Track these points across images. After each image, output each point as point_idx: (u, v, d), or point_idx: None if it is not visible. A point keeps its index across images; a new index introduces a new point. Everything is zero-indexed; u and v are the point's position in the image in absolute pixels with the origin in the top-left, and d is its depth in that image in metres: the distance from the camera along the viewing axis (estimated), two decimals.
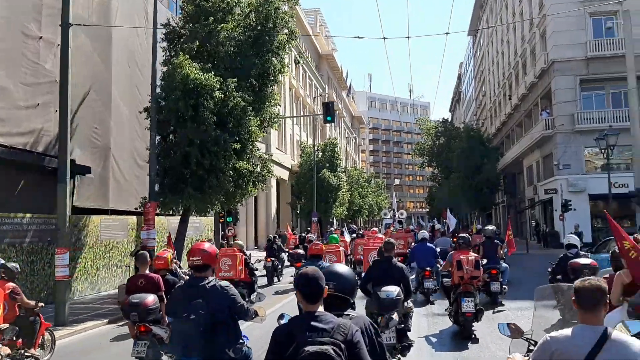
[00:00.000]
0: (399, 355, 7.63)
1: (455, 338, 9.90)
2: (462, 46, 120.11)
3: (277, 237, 23.46)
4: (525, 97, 41.27)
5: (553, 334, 3.17)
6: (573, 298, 3.15)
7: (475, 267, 9.81)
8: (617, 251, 6.06)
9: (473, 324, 9.64)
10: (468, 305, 9.35)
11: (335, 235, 17.71)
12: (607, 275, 6.16)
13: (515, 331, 4.33)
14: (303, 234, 26.46)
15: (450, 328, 10.45)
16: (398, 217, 61.00)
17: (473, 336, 9.66)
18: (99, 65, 18.98)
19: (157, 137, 17.43)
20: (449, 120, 56.88)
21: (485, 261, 12.12)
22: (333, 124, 69.72)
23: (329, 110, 23.92)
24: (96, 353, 10.49)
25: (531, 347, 4.23)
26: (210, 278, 4.81)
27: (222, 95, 16.20)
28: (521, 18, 42.62)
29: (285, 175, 47.39)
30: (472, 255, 10.09)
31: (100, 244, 18.29)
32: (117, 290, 16.00)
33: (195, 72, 15.47)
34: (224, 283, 4.83)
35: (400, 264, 8.32)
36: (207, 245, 5.03)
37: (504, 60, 49.74)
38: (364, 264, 13.77)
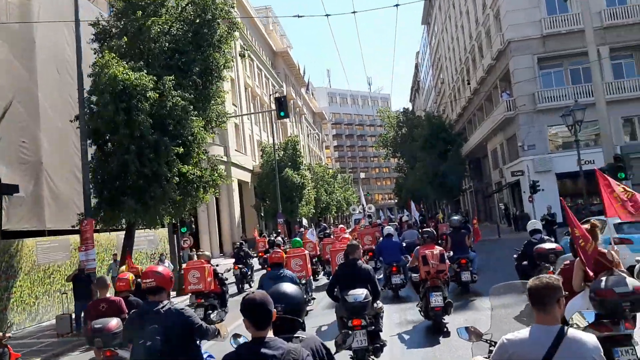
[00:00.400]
0: (372, 357, 7.52)
1: (427, 333, 9.85)
2: (417, 36, 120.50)
3: (244, 242, 22.64)
4: (484, 81, 40.55)
5: (509, 336, 3.09)
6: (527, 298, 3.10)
7: (441, 261, 9.74)
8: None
9: (444, 317, 9.64)
10: (436, 300, 9.36)
11: (298, 239, 16.93)
12: (568, 262, 6.12)
13: (473, 334, 4.25)
14: (272, 238, 25.20)
15: (422, 323, 10.38)
16: (367, 211, 61.12)
17: (445, 329, 9.57)
18: (22, 73, 17.11)
19: (92, 147, 15.80)
20: (410, 109, 55.90)
21: (452, 253, 12.51)
22: (293, 121, 68.77)
23: (281, 105, 22.46)
24: None
25: (492, 348, 4.11)
26: (165, 302, 4.60)
27: (158, 95, 14.61)
28: (474, 1, 41.93)
29: (247, 177, 45.79)
30: (437, 249, 9.98)
31: (37, 269, 16.51)
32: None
33: (124, 71, 13.83)
34: (179, 306, 4.68)
35: (366, 266, 8.07)
36: (161, 268, 4.85)
37: (460, 46, 49.06)
38: (332, 266, 13.53)
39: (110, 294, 7.97)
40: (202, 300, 11.98)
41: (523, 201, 33.24)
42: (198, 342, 4.81)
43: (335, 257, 13.30)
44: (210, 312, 12.00)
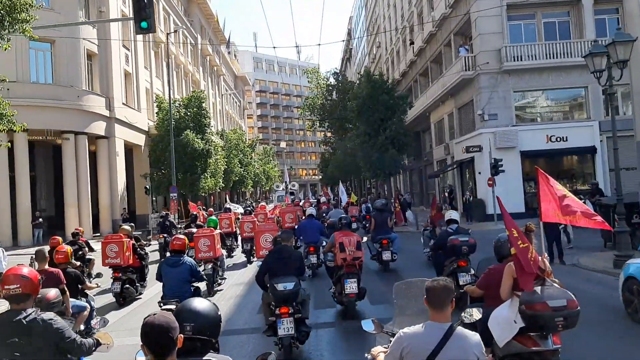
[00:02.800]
0: (297, 344, 7.26)
1: (339, 318, 9.58)
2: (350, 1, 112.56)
3: (169, 213, 23.17)
4: (433, 38, 33.24)
5: (406, 329, 3.34)
6: (425, 296, 3.30)
7: (357, 248, 9.63)
8: (502, 241, 5.68)
9: (357, 303, 9.58)
10: (351, 287, 9.25)
11: (213, 218, 16.21)
12: (493, 266, 5.56)
13: (377, 326, 4.36)
14: (194, 213, 21.54)
15: (335, 308, 10.07)
16: (290, 188, 55.61)
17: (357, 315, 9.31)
18: None
19: None
20: (341, 74, 48.04)
21: (365, 239, 11.72)
22: (208, 80, 59.39)
23: (141, 7, 12.69)
24: None
25: (392, 339, 3.99)
26: (30, 310, 3.80)
27: None
28: None
29: (139, 139, 36.46)
30: (354, 236, 9.86)
31: None
32: None
33: None
34: (48, 315, 3.87)
35: (297, 252, 8.12)
36: (26, 270, 4.02)
37: (403, 0, 41.53)
38: (256, 247, 13.69)
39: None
40: (120, 275, 11.58)
41: (477, 184, 26.36)
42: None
43: (260, 237, 13.22)
44: (129, 286, 11.70)
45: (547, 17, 26.03)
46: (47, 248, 9.28)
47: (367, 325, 4.40)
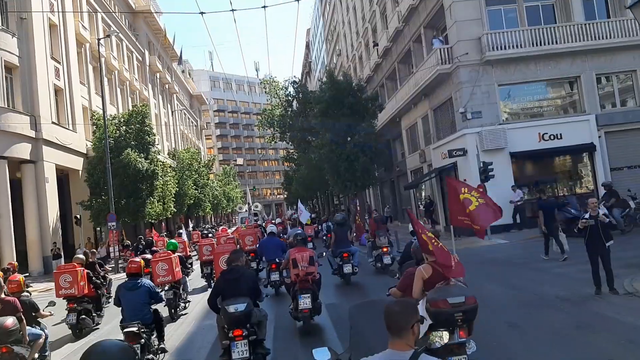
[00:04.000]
0: None
1: (298, 334, 9.38)
2: (308, 13, 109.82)
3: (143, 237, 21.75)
4: (400, 35, 29.88)
5: None
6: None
7: (310, 263, 9.54)
8: (417, 246, 6.23)
9: (314, 317, 9.46)
10: (305, 302, 9.14)
11: (173, 241, 16.01)
12: (410, 268, 6.07)
13: (333, 354, 3.80)
14: (150, 238, 21.93)
15: (296, 325, 9.76)
16: (253, 209, 54.33)
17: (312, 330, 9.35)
18: None
19: None
20: (300, 83, 44.18)
21: (320, 255, 11.43)
22: (159, 99, 54.91)
23: None
24: None
25: None
26: None
27: None
28: None
29: (77, 164, 31.84)
30: (307, 252, 9.80)
31: None
32: None
33: None
34: None
35: (250, 272, 7.80)
36: None
37: (363, 1, 38.23)
38: (215, 269, 13.53)
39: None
40: (75, 305, 11.15)
41: None
42: None
43: (219, 259, 12.84)
44: (84, 316, 11.32)
45: (529, 0, 22.87)
46: (16, 276, 9.43)
47: (321, 355, 3.78)
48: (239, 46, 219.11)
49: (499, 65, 22.08)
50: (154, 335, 8.03)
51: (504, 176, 20.98)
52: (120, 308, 7.90)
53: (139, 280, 7.98)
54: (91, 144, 31.35)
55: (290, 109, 40.40)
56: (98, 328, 11.77)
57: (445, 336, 4.71)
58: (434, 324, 5.01)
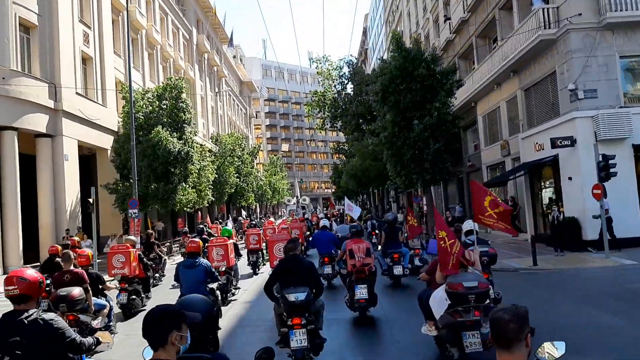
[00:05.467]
0: (311, 355, 6.82)
1: (352, 324, 9.47)
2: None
3: (152, 233, 18.25)
4: (481, 3, 24.67)
5: None
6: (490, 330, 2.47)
7: (367, 255, 9.61)
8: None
9: (369, 309, 9.57)
10: (361, 292, 9.23)
11: (227, 228, 16.61)
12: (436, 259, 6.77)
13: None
14: (201, 226, 21.37)
15: (349, 314, 9.85)
16: (301, 202, 53.80)
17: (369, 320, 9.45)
18: None
19: None
20: (356, 63, 39.20)
21: (378, 248, 12.94)
22: (205, 81, 51.26)
23: None
24: None
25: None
26: (32, 311, 3.81)
27: None
28: None
29: (107, 142, 28.16)
30: (364, 243, 9.86)
31: None
32: None
33: None
34: (49, 316, 3.86)
35: (309, 262, 7.42)
36: (27, 272, 3.98)
37: None
38: (270, 258, 13.63)
39: None
40: (126, 285, 11.30)
41: (564, 195, 17.60)
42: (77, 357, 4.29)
43: (273, 247, 13.10)
44: (135, 297, 11.50)
45: None
46: (85, 250, 9.52)
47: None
48: (292, 34, 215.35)
49: (622, 30, 16.75)
50: None
51: (625, 175, 15.70)
52: (179, 285, 8.13)
53: (197, 260, 8.14)
54: (121, 120, 27.52)
55: (344, 92, 35.58)
56: (145, 309, 11.33)
57: (556, 351, 3.20)
58: (452, 304, 5.80)
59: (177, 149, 24.82)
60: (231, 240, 13.46)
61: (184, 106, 26.72)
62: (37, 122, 22.72)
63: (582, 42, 16.80)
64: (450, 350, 6.18)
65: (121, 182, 25.71)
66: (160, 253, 17.02)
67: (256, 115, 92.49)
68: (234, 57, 75.11)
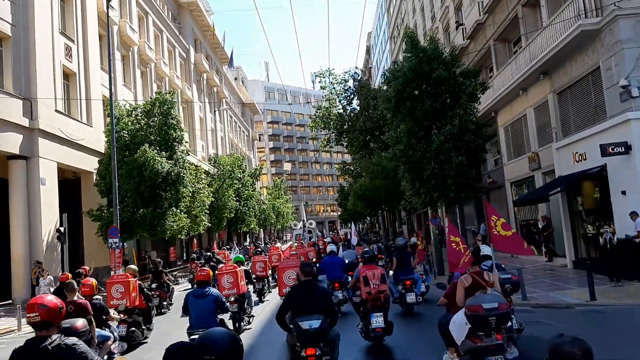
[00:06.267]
0: None
1: (368, 354, 9.00)
2: (369, 16, 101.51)
3: (160, 261, 18.38)
4: (500, 1, 22.16)
5: None
6: None
7: (382, 281, 9.13)
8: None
9: (384, 339, 9.18)
10: (377, 321, 8.88)
11: (239, 255, 15.97)
12: (455, 280, 6.63)
13: None
14: (208, 253, 21.13)
15: (362, 344, 9.40)
16: (307, 227, 53.03)
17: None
18: None
19: None
20: (361, 76, 36.63)
21: (391, 273, 12.69)
22: (203, 100, 48.92)
23: None
24: None
25: None
26: (54, 336, 3.77)
27: None
28: None
29: (92, 164, 25.51)
30: (378, 270, 9.33)
31: None
32: None
33: None
34: (71, 340, 3.83)
35: (324, 288, 6.97)
36: (48, 299, 3.96)
37: None
38: (279, 286, 13.09)
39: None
40: (126, 317, 10.76)
41: (615, 213, 14.72)
42: None
43: (283, 275, 12.67)
44: (134, 329, 10.95)
45: None
46: (89, 279, 9.21)
47: None
48: (295, 57, 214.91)
49: None
50: None
51: None
52: (188, 316, 7.89)
53: (207, 289, 7.93)
54: (106, 139, 24.95)
55: (349, 107, 32.97)
56: (147, 342, 11.05)
57: None
58: (472, 327, 5.51)
59: (165, 170, 22.17)
60: (241, 267, 13.03)
61: (175, 123, 24.14)
62: (9, 142, 20.18)
63: (633, 30, 14.13)
64: None
65: (106, 208, 23.03)
66: (168, 281, 17.03)
67: (259, 138, 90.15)
68: (235, 79, 73.13)
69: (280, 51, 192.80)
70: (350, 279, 12.26)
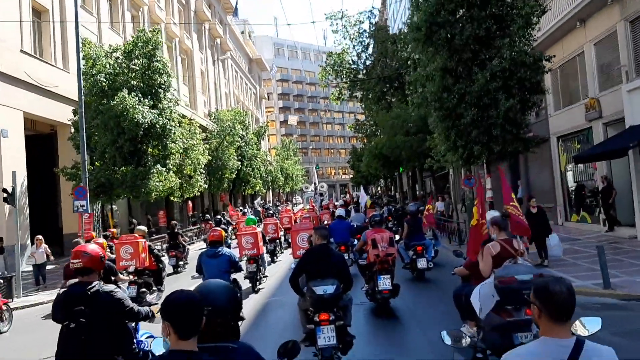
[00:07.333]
0: (339, 354, 6.22)
1: (372, 315, 9.10)
2: None
3: (176, 223, 18.47)
4: None
5: (511, 353, 2.45)
6: (536, 303, 2.40)
7: (390, 244, 9.19)
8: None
9: (391, 300, 9.21)
10: (385, 283, 8.93)
11: (252, 217, 17.70)
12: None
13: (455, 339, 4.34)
14: (218, 217, 21.01)
15: (366, 305, 9.56)
16: (319, 189, 49.61)
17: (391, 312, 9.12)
18: None
19: None
20: (379, 22, 32.55)
21: (396, 237, 11.78)
22: (205, 53, 45.02)
23: None
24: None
25: (479, 355, 4.53)
26: (95, 283, 4.22)
27: None
28: None
29: (63, 114, 22.09)
30: (387, 233, 9.44)
31: None
32: None
33: None
34: (109, 287, 4.29)
35: (339, 253, 7.37)
36: (90, 248, 4.46)
37: None
38: (293, 248, 13.16)
39: None
40: (136, 278, 10.65)
41: None
42: (133, 324, 4.64)
43: (296, 237, 12.74)
44: (145, 290, 10.74)
45: None
46: (99, 239, 10.17)
47: (445, 338, 4.36)
48: (307, 11, 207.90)
49: None
50: None
51: None
52: (202, 275, 7.98)
53: (220, 249, 8.05)
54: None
55: (365, 53, 29.04)
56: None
57: (592, 327, 3.41)
58: (502, 300, 4.99)
59: (147, 120, 18.77)
60: (259, 229, 13.47)
61: (160, 66, 20.58)
62: None
63: None
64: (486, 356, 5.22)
65: (80, 165, 19.78)
66: (183, 242, 17.40)
67: (268, 96, 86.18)
68: (242, 32, 68.78)
69: (290, 4, 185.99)
70: (356, 242, 11.95)
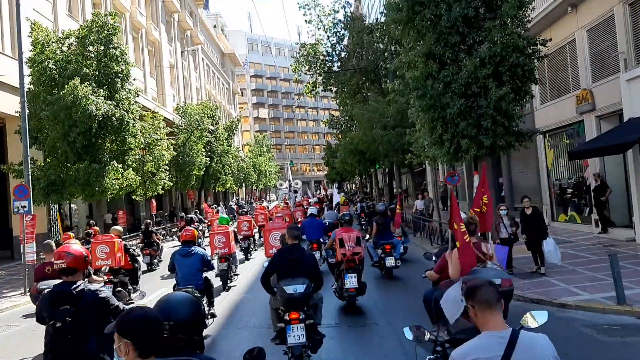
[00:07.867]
0: (309, 352, 6.26)
1: (342, 313, 9.21)
2: None
3: (149, 222, 18.53)
4: None
5: (457, 351, 2.58)
6: (468, 303, 2.63)
7: (357, 244, 9.41)
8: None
9: (357, 299, 9.35)
10: (351, 281, 9.08)
11: (224, 216, 18.05)
12: (449, 251, 5.85)
13: (418, 333, 4.24)
14: (190, 216, 20.21)
15: (334, 302, 9.62)
16: (293, 187, 47.53)
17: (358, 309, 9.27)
18: None
19: None
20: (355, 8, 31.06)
21: (367, 237, 12.67)
22: (174, 46, 42.98)
23: None
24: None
25: (438, 348, 4.32)
26: (79, 282, 4.29)
27: None
28: None
29: (12, 106, 20.04)
30: (354, 232, 9.67)
31: None
32: None
33: None
34: (94, 286, 4.33)
35: (311, 253, 6.98)
36: (73, 248, 4.50)
37: None
38: (265, 247, 12.40)
39: None
40: (111, 277, 10.51)
41: None
42: None
43: (269, 236, 12.08)
44: (121, 289, 10.43)
45: None
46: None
47: (407, 334, 4.24)
48: (280, 8, 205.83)
49: None
50: (205, 301, 7.88)
51: None
52: (175, 274, 8.11)
53: (193, 248, 8.18)
54: (30, 73, 19.41)
55: (339, 45, 27.59)
56: (133, 303, 9.85)
57: (539, 319, 3.57)
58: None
59: (101, 112, 16.94)
60: (231, 228, 13.80)
61: (117, 54, 18.73)
62: None
63: None
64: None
65: (31, 160, 17.85)
66: (157, 240, 17.33)
67: (241, 92, 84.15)
68: (215, 26, 66.70)
69: (264, 2, 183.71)
70: (328, 240, 11.81)
